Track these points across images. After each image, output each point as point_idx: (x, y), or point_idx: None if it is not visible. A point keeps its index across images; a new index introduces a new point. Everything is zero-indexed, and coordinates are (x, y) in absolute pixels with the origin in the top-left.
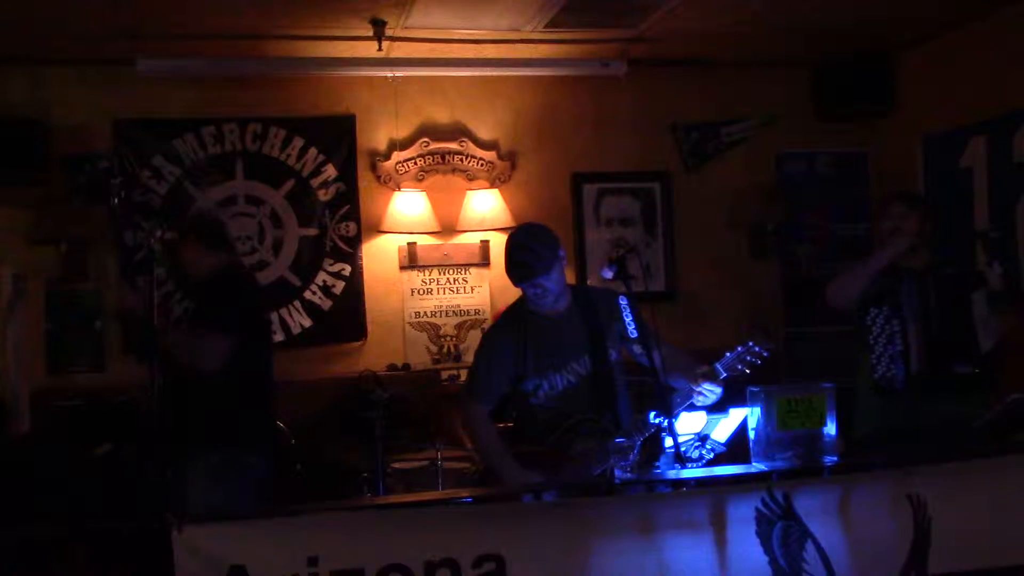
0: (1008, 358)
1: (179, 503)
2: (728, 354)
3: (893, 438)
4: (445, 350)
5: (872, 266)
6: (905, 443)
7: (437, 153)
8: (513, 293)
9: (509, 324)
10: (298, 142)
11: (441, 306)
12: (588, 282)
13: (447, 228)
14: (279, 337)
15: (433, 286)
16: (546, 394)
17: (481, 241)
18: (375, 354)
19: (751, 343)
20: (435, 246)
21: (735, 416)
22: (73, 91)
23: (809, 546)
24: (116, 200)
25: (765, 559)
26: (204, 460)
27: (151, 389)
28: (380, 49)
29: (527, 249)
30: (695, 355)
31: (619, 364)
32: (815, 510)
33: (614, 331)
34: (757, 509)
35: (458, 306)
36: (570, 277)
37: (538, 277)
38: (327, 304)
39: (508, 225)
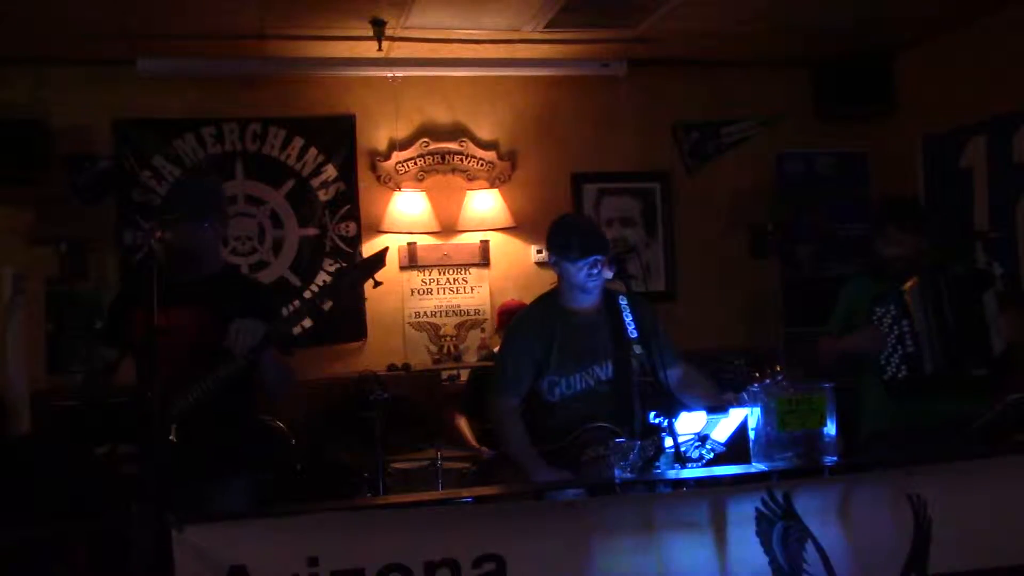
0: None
1: (180, 503)
2: (755, 386)
3: (903, 437)
4: (445, 350)
5: (851, 350)
6: (907, 443)
7: (437, 153)
8: (512, 294)
9: (537, 318)
10: (298, 142)
11: (441, 306)
12: None
13: (447, 228)
14: None
15: (433, 286)
16: (562, 393)
17: (481, 241)
18: (375, 354)
19: (780, 377)
20: (435, 246)
21: (735, 416)
22: (73, 91)
23: (809, 546)
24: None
25: (765, 559)
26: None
27: (151, 389)
28: (380, 49)
29: (595, 228)
30: (696, 356)
31: (638, 372)
32: (815, 510)
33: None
34: (757, 509)
35: (458, 306)
36: None
37: (606, 252)
38: (327, 304)
39: (508, 225)
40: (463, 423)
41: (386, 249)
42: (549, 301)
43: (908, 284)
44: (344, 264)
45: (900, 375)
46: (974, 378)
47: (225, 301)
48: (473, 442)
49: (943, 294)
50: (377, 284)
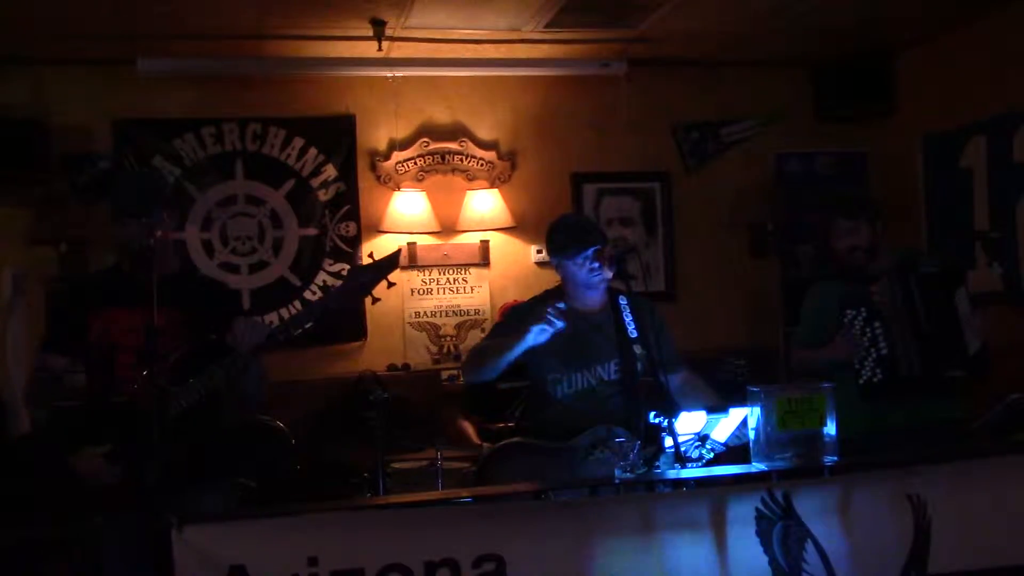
0: (1001, 359)
1: (179, 504)
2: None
3: (879, 442)
4: (445, 350)
5: (828, 359)
6: (903, 443)
7: (437, 153)
8: (512, 294)
9: (542, 311)
10: (298, 142)
11: (441, 306)
12: None
13: (447, 228)
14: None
15: (433, 286)
16: (563, 392)
17: (481, 241)
18: (375, 354)
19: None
20: (435, 246)
21: (735, 416)
22: (73, 91)
23: (809, 546)
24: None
25: (765, 559)
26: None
27: (151, 389)
28: (380, 49)
29: (589, 222)
30: (696, 357)
31: (641, 372)
32: (815, 510)
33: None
34: (757, 509)
35: (458, 306)
36: None
37: (602, 243)
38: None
39: (508, 225)
40: (464, 423)
41: (399, 251)
42: (555, 299)
43: (876, 284)
44: (349, 266)
45: (876, 379)
46: (950, 379)
47: (187, 303)
48: (475, 439)
49: (913, 293)
50: (391, 285)
